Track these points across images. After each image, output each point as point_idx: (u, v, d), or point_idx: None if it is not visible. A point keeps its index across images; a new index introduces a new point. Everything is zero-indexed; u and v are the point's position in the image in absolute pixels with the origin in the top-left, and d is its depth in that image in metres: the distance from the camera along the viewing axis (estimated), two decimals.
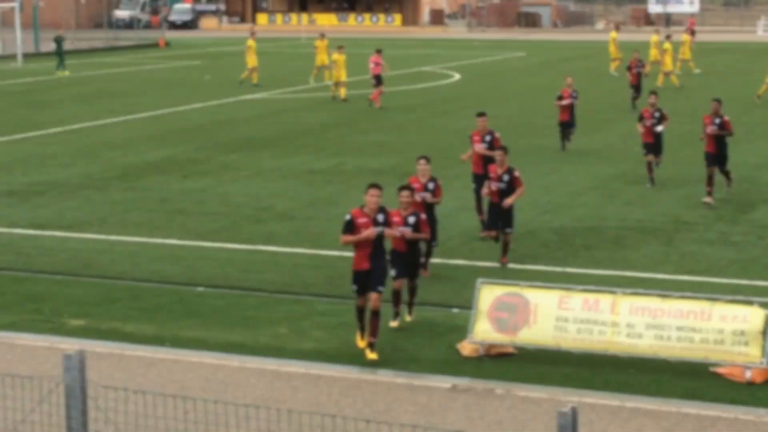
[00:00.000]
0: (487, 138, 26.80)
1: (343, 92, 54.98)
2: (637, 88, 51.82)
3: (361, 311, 18.86)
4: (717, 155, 30.19)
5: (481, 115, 27.54)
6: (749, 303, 17.53)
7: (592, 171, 35.66)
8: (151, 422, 11.37)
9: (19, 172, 36.80)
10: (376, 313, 18.22)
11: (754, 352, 16.88)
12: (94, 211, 30.42)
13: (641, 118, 33.00)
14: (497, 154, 23.99)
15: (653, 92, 34.06)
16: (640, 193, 31.78)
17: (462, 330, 18.83)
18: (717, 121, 30.13)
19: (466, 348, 18.35)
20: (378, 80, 53.20)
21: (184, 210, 30.47)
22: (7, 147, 42.47)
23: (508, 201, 23.45)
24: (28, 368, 17.25)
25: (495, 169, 23.78)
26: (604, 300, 17.83)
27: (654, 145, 32.67)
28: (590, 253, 25.00)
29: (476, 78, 68.02)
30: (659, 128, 32.38)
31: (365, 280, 18.52)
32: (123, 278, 23.61)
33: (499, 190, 23.61)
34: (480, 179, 25.79)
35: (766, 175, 34.24)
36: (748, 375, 16.85)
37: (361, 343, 18.63)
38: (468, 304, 19.37)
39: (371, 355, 18.12)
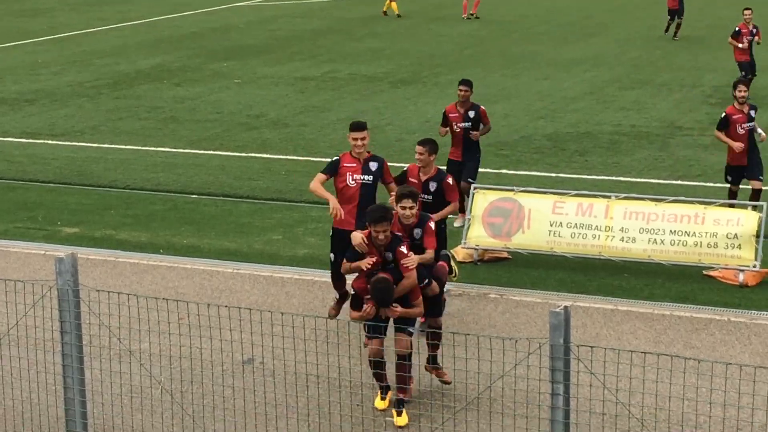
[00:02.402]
0: (372, 166, 14.57)
1: (395, 6, 52.89)
2: (676, 13, 42.93)
3: (378, 364, 12.31)
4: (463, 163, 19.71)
5: (357, 128, 14.52)
6: (743, 207, 17.53)
7: (586, 77, 35.48)
8: (145, 327, 11.40)
9: (9, 81, 36.58)
10: (404, 357, 12.37)
11: (746, 255, 16.90)
12: (86, 120, 30.29)
13: (738, 34, 30.91)
14: (420, 150, 15.21)
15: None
16: (635, 98, 31.65)
17: (456, 235, 18.82)
18: (471, 114, 19.55)
19: (460, 253, 18.35)
20: None
21: (176, 118, 30.34)
22: None
23: (436, 216, 14.26)
24: (21, 276, 17.24)
25: (416, 172, 15.26)
26: (598, 205, 17.80)
27: (750, 64, 30.48)
28: (584, 159, 24.95)
29: None
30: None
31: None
32: (116, 186, 23.56)
33: (422, 204, 14.68)
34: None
35: (762, 79, 34.06)
36: (741, 278, 16.88)
37: (382, 404, 12.59)
38: (462, 210, 19.34)
39: (400, 420, 12.20)
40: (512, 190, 18.58)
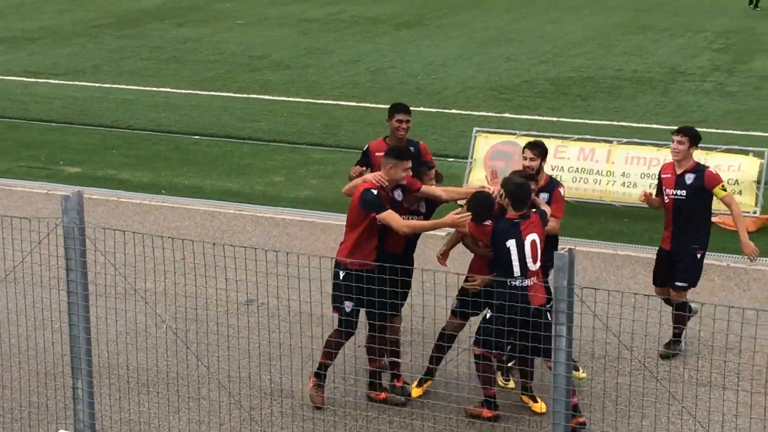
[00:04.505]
0: None
1: None
2: None
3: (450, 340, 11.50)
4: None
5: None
6: (744, 152, 17.55)
7: (590, 21, 35.35)
8: (149, 265, 11.45)
9: (13, 19, 36.45)
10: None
11: (747, 201, 16.94)
12: (89, 59, 30.23)
13: None
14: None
15: None
16: (638, 43, 31.56)
17: (458, 179, 18.85)
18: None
19: None
20: None
21: (179, 58, 30.28)
22: None
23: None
24: (25, 214, 17.30)
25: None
26: (600, 149, 17.83)
27: None
28: (586, 103, 24.93)
29: None
30: None
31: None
32: (118, 126, 23.57)
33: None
34: None
35: (764, 25, 33.96)
36: None
37: (416, 392, 11.60)
38: (464, 154, 19.37)
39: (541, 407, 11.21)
40: (514, 134, 18.60)
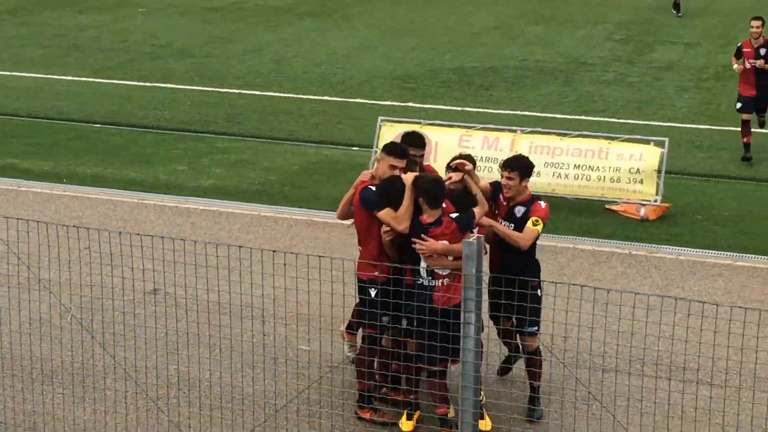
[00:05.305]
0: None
1: None
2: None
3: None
4: None
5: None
6: (645, 142, 17.81)
7: (493, 11, 35.57)
8: (53, 254, 11.32)
9: None
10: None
11: (648, 189, 17.20)
12: None
13: (739, 54, 20.45)
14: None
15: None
16: (541, 33, 31.84)
17: (362, 168, 18.84)
18: None
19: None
20: None
21: (80, 46, 29.92)
22: None
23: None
24: None
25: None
26: (504, 138, 17.96)
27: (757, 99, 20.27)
28: (490, 93, 25.09)
29: None
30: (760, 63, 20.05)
31: None
32: (19, 114, 23.23)
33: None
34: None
35: (664, 17, 34.45)
36: (642, 212, 17.19)
37: (408, 425, 10.63)
38: (369, 143, 19.38)
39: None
40: (419, 123, 18.66)
